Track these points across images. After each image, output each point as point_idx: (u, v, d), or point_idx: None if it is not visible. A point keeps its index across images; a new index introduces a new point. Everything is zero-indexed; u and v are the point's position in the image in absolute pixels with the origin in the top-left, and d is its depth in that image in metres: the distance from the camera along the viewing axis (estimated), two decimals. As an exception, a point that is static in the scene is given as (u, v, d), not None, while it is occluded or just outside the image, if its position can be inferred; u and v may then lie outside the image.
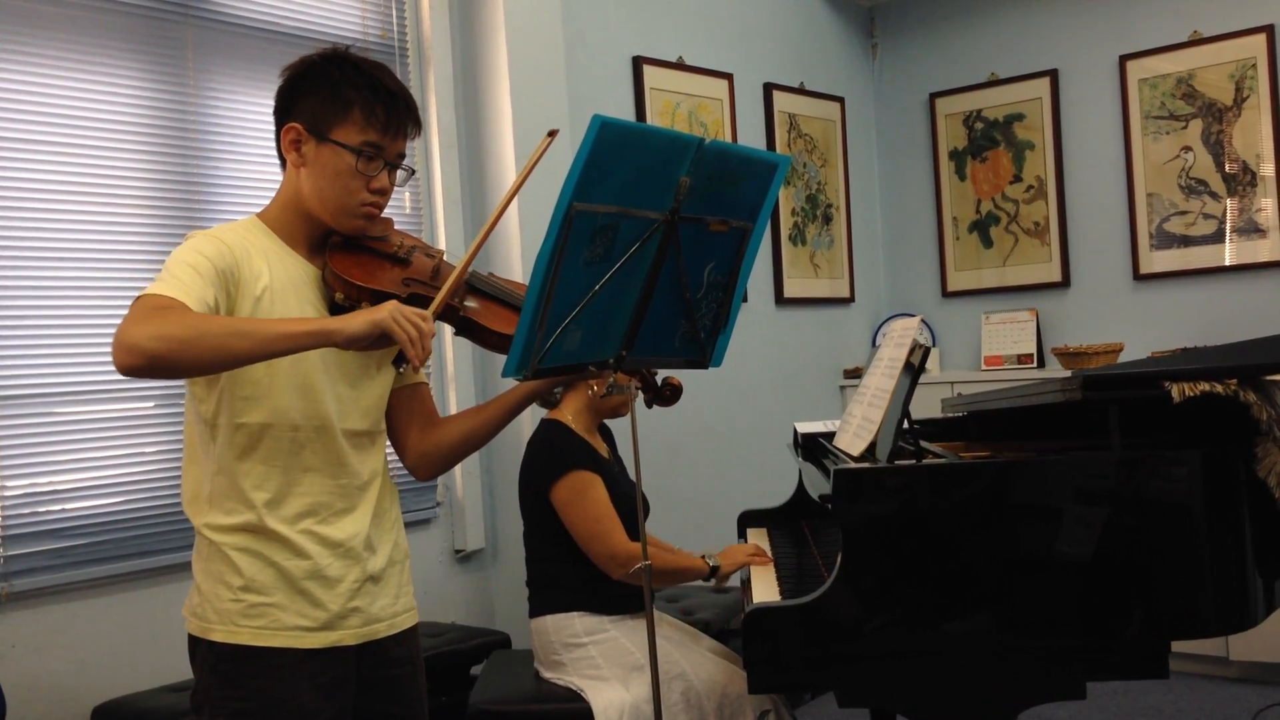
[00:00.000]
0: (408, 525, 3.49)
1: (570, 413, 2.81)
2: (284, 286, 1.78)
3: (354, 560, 1.82)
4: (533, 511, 2.80)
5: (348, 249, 1.85)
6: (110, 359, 2.90)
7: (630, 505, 2.71)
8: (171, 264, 1.67)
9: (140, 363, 1.53)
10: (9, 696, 2.54)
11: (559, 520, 2.71)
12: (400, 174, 1.86)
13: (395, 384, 1.97)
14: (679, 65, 4.48)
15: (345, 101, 1.79)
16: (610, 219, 1.74)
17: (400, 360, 1.67)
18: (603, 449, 2.86)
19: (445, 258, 1.93)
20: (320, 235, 1.85)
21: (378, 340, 1.63)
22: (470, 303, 1.87)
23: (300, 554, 1.76)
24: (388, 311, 1.61)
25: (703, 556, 2.78)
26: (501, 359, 1.78)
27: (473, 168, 3.79)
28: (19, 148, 2.80)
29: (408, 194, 3.65)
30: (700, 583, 2.82)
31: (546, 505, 2.73)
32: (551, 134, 1.85)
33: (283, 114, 1.83)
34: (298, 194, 1.83)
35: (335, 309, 1.82)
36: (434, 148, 3.71)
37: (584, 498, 2.68)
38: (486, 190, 3.75)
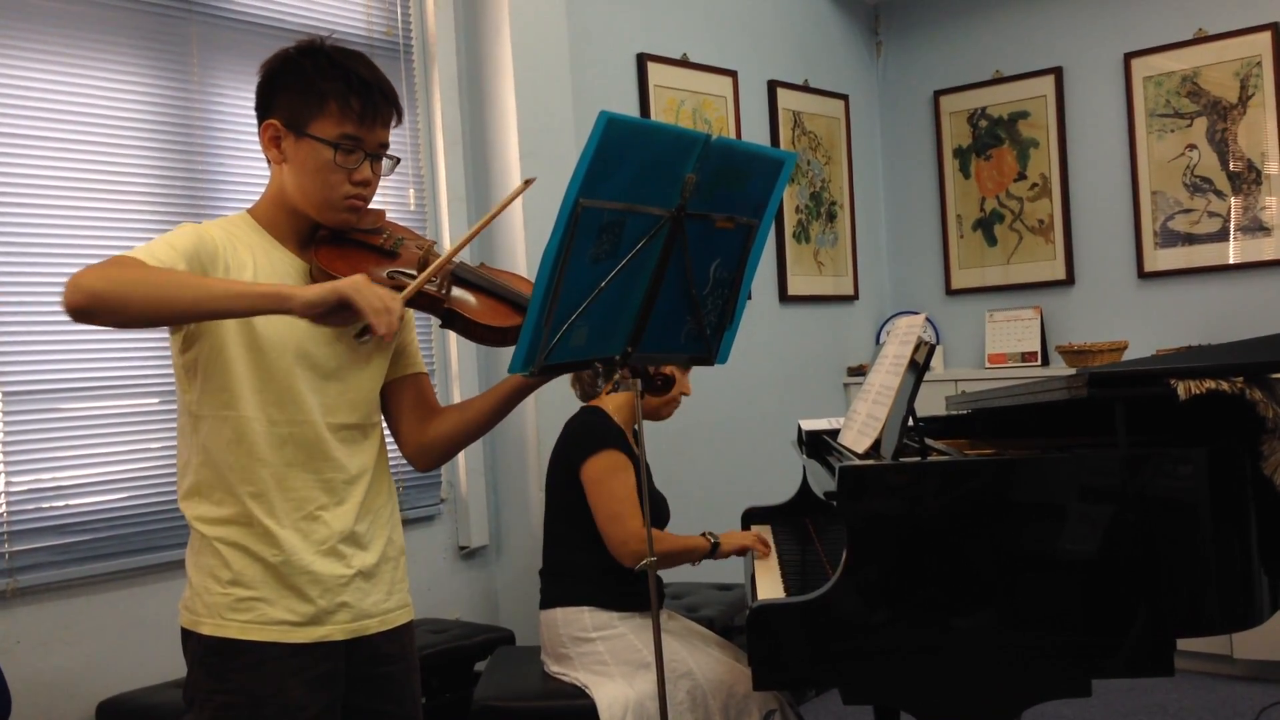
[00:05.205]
0: (411, 522, 3.53)
1: (613, 405, 2.85)
2: (269, 281, 1.77)
3: (340, 556, 1.80)
4: (560, 491, 2.82)
5: (335, 243, 1.83)
6: (110, 356, 2.94)
7: (652, 505, 2.73)
8: (151, 241, 1.71)
9: (82, 300, 1.53)
10: (14, 692, 2.54)
11: (584, 501, 2.73)
12: (385, 163, 1.84)
13: (391, 374, 1.95)
14: (683, 62, 4.47)
15: (320, 95, 1.77)
16: (616, 215, 1.73)
17: (364, 332, 1.63)
18: (634, 445, 2.88)
19: (436, 248, 1.91)
20: (308, 230, 1.84)
21: (337, 310, 1.60)
22: (455, 294, 1.85)
23: (286, 549, 1.75)
24: (349, 281, 1.60)
25: (704, 534, 2.83)
26: (506, 354, 1.77)
27: (477, 165, 3.79)
28: (24, 143, 2.80)
29: (412, 190, 3.65)
30: (705, 562, 2.87)
31: (575, 483, 2.75)
32: (527, 182, 1.86)
33: (262, 111, 1.82)
34: (282, 190, 1.82)
35: None
36: (438, 145, 3.71)
37: (613, 477, 2.72)
38: (490, 187, 3.75)
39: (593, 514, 2.72)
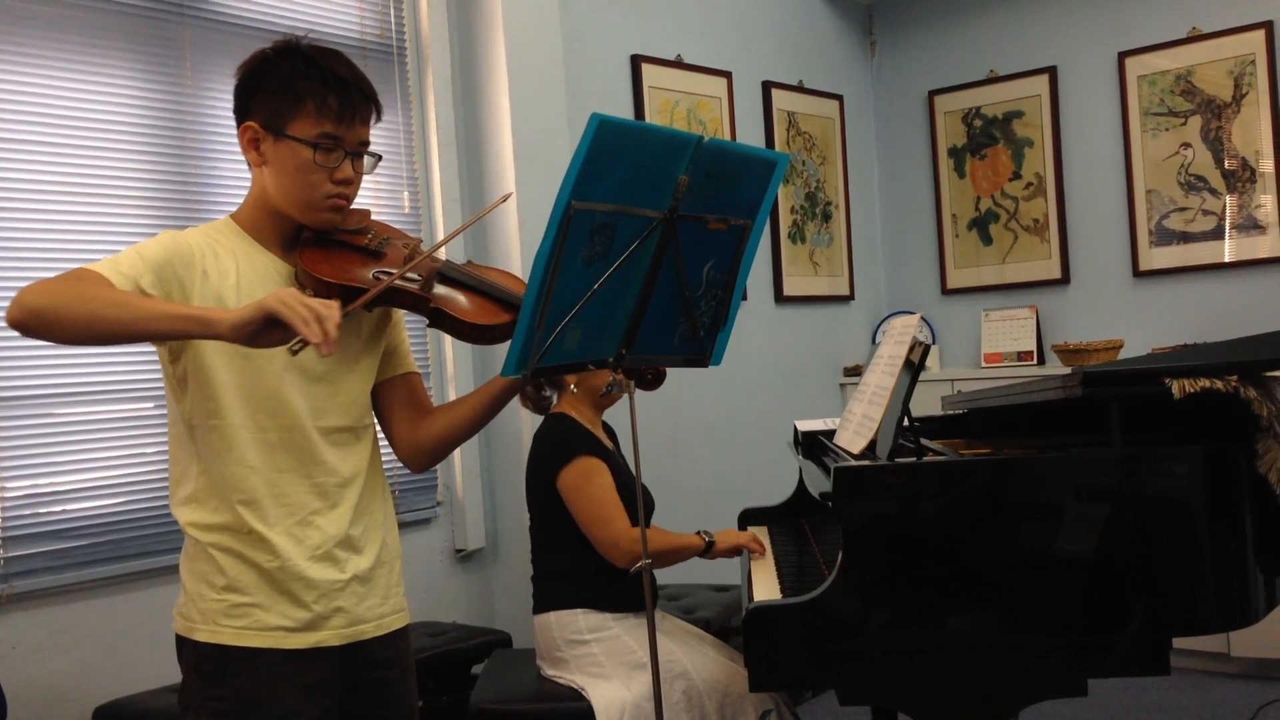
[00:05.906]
0: (408, 525, 3.53)
1: (571, 407, 2.83)
2: (253, 286, 1.76)
3: (335, 561, 1.80)
4: (540, 501, 2.81)
5: (320, 244, 1.82)
6: (104, 360, 2.94)
7: (634, 497, 2.72)
8: (120, 252, 1.69)
9: (18, 315, 1.54)
10: (10, 697, 2.54)
11: (565, 509, 2.72)
12: (367, 161, 1.83)
13: (381, 375, 1.94)
14: (678, 64, 4.47)
15: (297, 95, 1.76)
16: (609, 217, 1.73)
17: (298, 344, 1.53)
18: (606, 442, 2.87)
19: (422, 247, 1.90)
20: (292, 231, 1.82)
21: (268, 328, 1.52)
22: (440, 292, 1.84)
23: (279, 555, 1.75)
24: (276, 296, 1.52)
25: (698, 533, 2.82)
26: (500, 351, 1.77)
27: (471, 167, 3.78)
28: (16, 148, 2.79)
29: (406, 193, 3.65)
30: (701, 563, 2.86)
31: (553, 493, 2.74)
32: (504, 197, 1.92)
33: (240, 113, 1.81)
34: (264, 192, 1.81)
35: None
36: (432, 147, 3.71)
37: (590, 482, 2.71)
38: (484, 189, 3.75)
39: (577, 521, 2.71)
